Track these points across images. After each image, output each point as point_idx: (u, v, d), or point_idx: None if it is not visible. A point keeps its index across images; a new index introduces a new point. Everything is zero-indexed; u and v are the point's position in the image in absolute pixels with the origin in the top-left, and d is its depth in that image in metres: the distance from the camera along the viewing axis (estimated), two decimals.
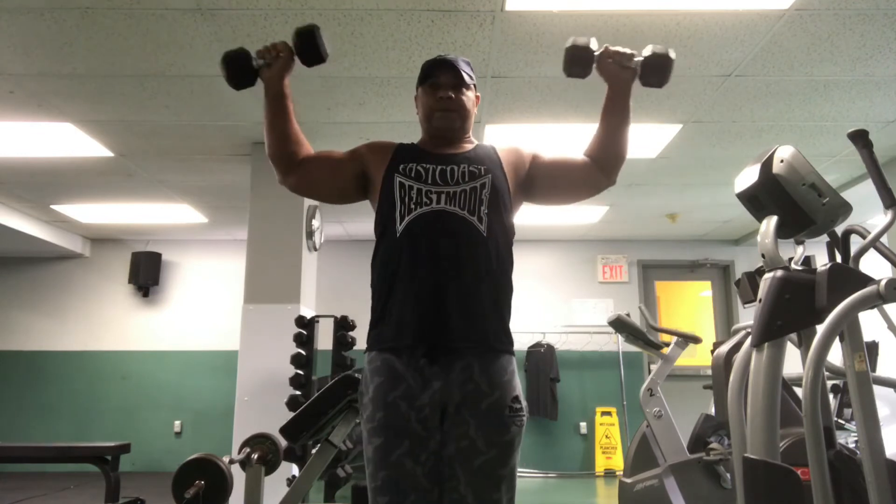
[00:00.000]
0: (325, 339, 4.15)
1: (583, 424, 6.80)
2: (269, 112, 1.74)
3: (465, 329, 1.59)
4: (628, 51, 1.71)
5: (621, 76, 1.72)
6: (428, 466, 1.55)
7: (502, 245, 1.69)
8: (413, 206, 1.65)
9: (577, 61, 1.73)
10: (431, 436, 1.56)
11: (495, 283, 1.66)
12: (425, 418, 1.56)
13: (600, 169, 1.76)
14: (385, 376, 1.60)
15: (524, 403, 1.64)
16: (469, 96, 1.80)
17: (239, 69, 1.73)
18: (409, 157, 1.76)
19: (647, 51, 1.71)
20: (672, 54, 1.71)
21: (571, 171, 1.80)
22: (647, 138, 4.34)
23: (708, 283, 7.37)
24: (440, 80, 1.77)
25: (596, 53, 1.72)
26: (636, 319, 4.66)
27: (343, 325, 4.03)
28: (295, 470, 3.71)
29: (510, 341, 1.67)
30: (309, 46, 1.73)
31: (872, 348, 3.79)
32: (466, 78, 1.78)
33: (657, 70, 1.71)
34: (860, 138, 1.85)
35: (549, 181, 1.81)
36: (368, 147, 1.83)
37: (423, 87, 1.81)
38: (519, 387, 1.64)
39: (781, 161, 1.82)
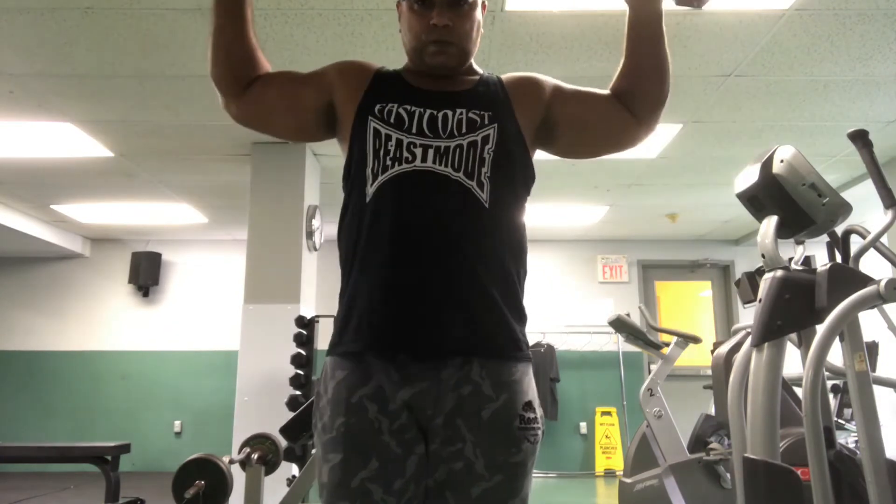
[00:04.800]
0: (325, 339, 4.12)
1: (583, 424, 6.80)
2: (217, 15, 1.33)
3: (461, 333, 1.19)
4: None
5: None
6: (405, 499, 1.15)
7: (511, 218, 1.28)
8: (389, 163, 1.24)
9: None
10: (410, 454, 1.16)
11: (501, 270, 1.24)
12: (402, 428, 1.16)
13: (634, 114, 1.38)
14: (350, 369, 1.22)
15: (540, 412, 1.23)
16: (474, 17, 1.33)
17: None
18: (391, 93, 1.33)
19: None
20: None
21: (605, 113, 1.39)
22: (647, 138, 4.33)
23: (708, 283, 7.37)
24: None
25: None
26: (636, 319, 4.67)
27: None
28: (295, 470, 3.71)
29: (524, 344, 1.26)
30: None
31: (872, 348, 3.79)
32: None
33: None
34: (860, 138, 1.85)
35: (577, 124, 1.39)
36: (340, 71, 1.38)
37: (406, 0, 1.33)
38: (534, 390, 1.24)
39: (781, 161, 1.82)
